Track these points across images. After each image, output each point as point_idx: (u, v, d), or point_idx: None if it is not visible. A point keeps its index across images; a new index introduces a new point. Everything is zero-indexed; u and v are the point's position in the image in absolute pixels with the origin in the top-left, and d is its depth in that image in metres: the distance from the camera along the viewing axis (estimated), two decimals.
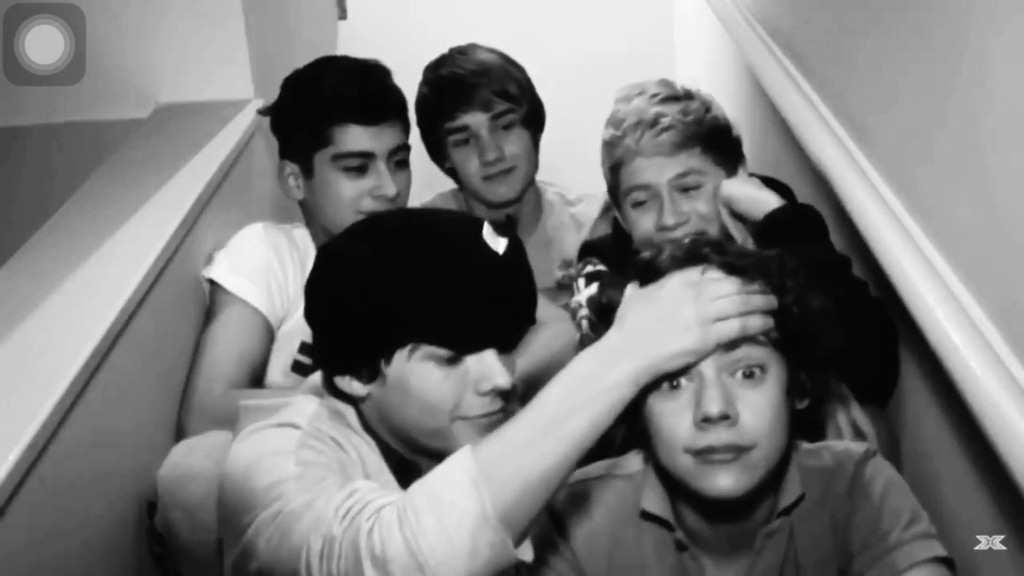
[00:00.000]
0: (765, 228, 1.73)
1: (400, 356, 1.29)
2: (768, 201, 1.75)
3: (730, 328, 1.17)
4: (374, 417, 1.36)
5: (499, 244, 1.32)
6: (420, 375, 1.29)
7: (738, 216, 1.80)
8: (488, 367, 1.30)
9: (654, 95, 1.86)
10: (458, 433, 1.30)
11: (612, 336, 1.17)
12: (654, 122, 1.82)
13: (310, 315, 1.37)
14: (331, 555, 1.12)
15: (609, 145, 1.88)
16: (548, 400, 1.13)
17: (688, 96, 1.87)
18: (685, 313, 1.16)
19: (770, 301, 1.21)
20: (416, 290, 1.27)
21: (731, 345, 1.19)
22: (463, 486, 1.09)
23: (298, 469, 1.23)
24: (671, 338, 1.15)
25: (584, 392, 1.12)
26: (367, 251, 1.32)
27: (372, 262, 1.30)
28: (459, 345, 1.29)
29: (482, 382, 1.30)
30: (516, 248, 1.34)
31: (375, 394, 1.33)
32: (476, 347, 1.30)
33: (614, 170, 1.88)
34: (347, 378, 1.33)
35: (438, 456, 1.31)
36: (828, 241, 1.75)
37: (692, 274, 1.19)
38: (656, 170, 1.82)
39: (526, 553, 1.13)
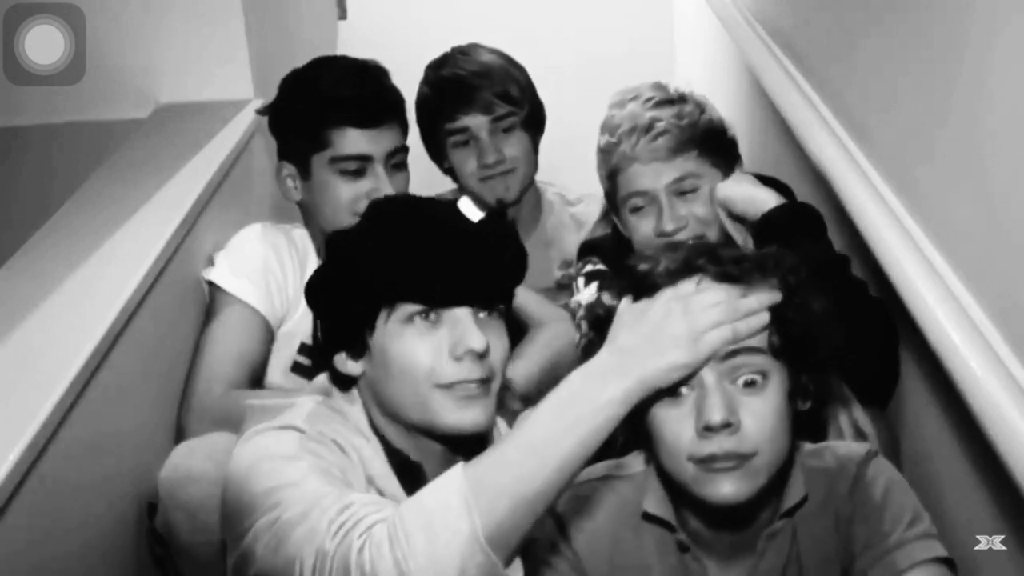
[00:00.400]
0: (762, 228, 1.73)
1: (381, 324, 1.33)
2: (765, 200, 1.75)
3: (721, 337, 1.17)
4: (371, 403, 1.38)
5: (474, 214, 1.36)
6: (397, 339, 1.33)
7: (737, 217, 1.80)
8: (463, 330, 1.32)
9: (648, 99, 1.85)
10: (436, 402, 1.32)
11: (603, 356, 1.17)
12: (649, 127, 1.81)
13: (310, 300, 1.43)
14: (322, 570, 1.13)
15: (605, 152, 1.88)
16: (538, 420, 1.14)
17: (682, 99, 1.87)
18: (674, 328, 1.16)
19: (764, 300, 1.20)
20: (386, 250, 1.33)
21: (731, 354, 1.19)
22: (454, 507, 1.10)
23: (298, 475, 1.23)
24: (662, 355, 1.15)
25: (574, 412, 1.13)
26: (352, 232, 1.40)
27: (352, 237, 1.39)
28: (429, 297, 1.32)
29: (457, 346, 1.31)
30: (495, 218, 1.39)
31: (368, 373, 1.37)
32: (447, 300, 1.32)
33: (611, 177, 1.88)
34: (343, 356, 1.38)
35: (443, 440, 1.35)
36: (826, 239, 1.75)
37: (683, 287, 1.19)
38: (653, 175, 1.82)
39: (516, 573, 1.14)
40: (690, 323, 1.16)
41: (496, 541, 1.09)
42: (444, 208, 1.38)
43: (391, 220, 1.37)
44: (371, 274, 1.33)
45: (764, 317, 1.20)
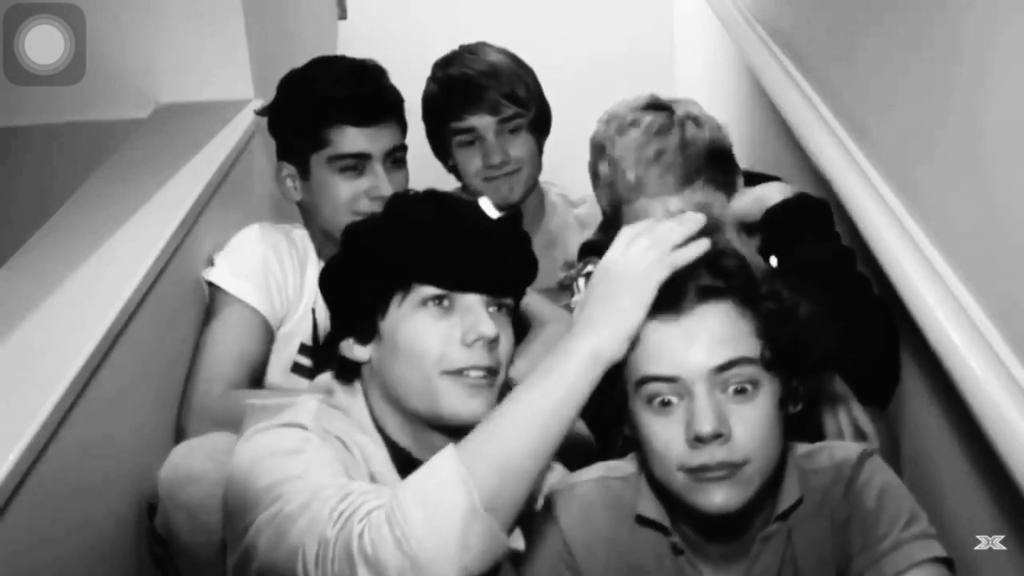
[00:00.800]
0: (766, 224, 1.72)
1: (394, 307, 1.36)
2: (772, 196, 1.75)
3: (661, 268, 1.20)
4: (374, 394, 1.39)
5: (493, 213, 1.41)
6: (409, 322, 1.35)
7: (745, 228, 1.79)
8: (475, 317, 1.34)
9: (648, 126, 1.79)
10: (443, 389, 1.34)
11: (570, 334, 1.21)
12: (655, 159, 1.76)
13: (322, 284, 1.46)
14: (325, 558, 1.14)
15: (608, 184, 1.82)
16: (518, 394, 1.18)
17: (682, 122, 1.79)
18: (616, 282, 1.20)
19: (690, 223, 1.22)
20: (406, 232, 1.36)
21: (724, 367, 1.20)
22: (449, 481, 1.12)
23: (299, 469, 1.24)
24: (611, 303, 1.20)
25: (547, 379, 1.17)
26: (371, 219, 1.47)
27: (371, 224, 1.44)
28: (445, 279, 1.34)
29: (469, 332, 1.34)
30: (512, 218, 1.44)
31: (375, 359, 1.38)
32: (462, 285, 1.35)
33: (614, 206, 1.83)
34: (350, 342, 1.39)
35: (444, 431, 1.37)
36: (833, 232, 1.74)
37: (610, 254, 1.23)
38: (661, 208, 1.78)
39: (517, 542, 1.15)
40: (629, 271, 1.20)
41: (492, 507, 1.11)
42: (464, 201, 1.43)
43: (412, 205, 1.41)
44: (389, 254, 1.36)
45: (703, 244, 1.22)
